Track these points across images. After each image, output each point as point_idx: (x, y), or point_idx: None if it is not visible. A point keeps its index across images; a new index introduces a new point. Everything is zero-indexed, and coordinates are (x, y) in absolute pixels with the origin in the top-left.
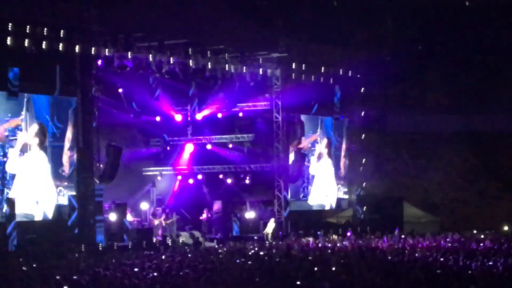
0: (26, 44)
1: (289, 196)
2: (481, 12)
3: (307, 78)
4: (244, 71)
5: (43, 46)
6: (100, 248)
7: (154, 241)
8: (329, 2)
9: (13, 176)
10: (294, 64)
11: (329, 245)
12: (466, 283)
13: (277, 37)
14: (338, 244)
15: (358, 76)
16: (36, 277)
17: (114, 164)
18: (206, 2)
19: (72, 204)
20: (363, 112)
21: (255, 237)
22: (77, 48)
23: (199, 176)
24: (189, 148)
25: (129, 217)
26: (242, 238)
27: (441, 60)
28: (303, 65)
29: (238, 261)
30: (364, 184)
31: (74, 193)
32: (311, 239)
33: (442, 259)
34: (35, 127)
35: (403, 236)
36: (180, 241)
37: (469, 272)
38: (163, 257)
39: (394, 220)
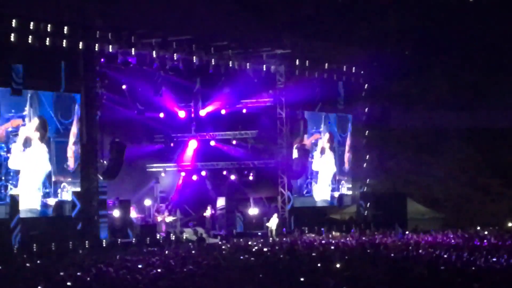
0: (29, 41)
1: (293, 193)
2: (485, 7)
3: (310, 74)
4: (248, 67)
5: (47, 43)
6: (104, 245)
7: (158, 237)
8: None
9: (16, 172)
10: (297, 60)
11: (333, 241)
12: (470, 279)
13: (280, 33)
14: (341, 241)
15: (362, 72)
16: (40, 273)
17: (118, 161)
18: None
19: (75, 201)
20: (366, 108)
21: (259, 234)
22: (80, 45)
23: (203, 173)
24: (192, 144)
25: (133, 214)
26: (246, 234)
27: (445, 56)
28: (307, 61)
29: (241, 257)
30: (367, 180)
31: (78, 189)
32: (314, 235)
33: (445, 255)
34: (35, 121)
35: (407, 232)
36: (184, 237)
37: (473, 268)
38: (167, 253)
39: (398, 216)
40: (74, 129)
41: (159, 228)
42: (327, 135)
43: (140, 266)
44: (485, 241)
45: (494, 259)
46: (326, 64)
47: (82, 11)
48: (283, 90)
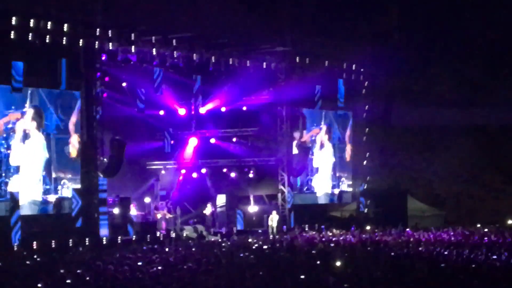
0: (30, 38)
1: (293, 190)
2: (487, 4)
3: (311, 71)
4: (248, 64)
5: (47, 40)
6: (104, 242)
7: (158, 235)
8: None
9: (17, 168)
10: (298, 57)
11: (333, 239)
12: (470, 276)
13: (281, 30)
14: (342, 238)
15: (362, 69)
16: (40, 271)
17: (118, 158)
18: None
19: (75, 198)
20: (367, 106)
21: (259, 231)
22: (81, 42)
23: (203, 170)
24: (193, 142)
25: (133, 211)
26: (246, 232)
27: (446, 53)
28: (307, 58)
29: (242, 255)
30: (368, 177)
31: (78, 185)
32: (315, 233)
33: (446, 252)
34: (30, 111)
35: (407, 229)
36: (184, 235)
37: (473, 266)
38: (167, 250)
39: (398, 213)
40: (73, 119)
41: (159, 225)
42: (324, 128)
43: (140, 263)
44: (485, 238)
45: (495, 256)
46: (327, 62)
47: (82, 8)
48: (284, 87)
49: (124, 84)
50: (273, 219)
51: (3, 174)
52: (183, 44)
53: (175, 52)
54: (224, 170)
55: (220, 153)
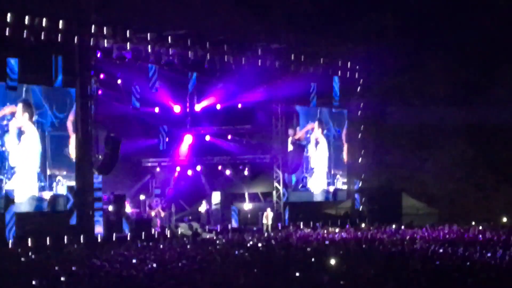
0: (25, 35)
1: (288, 187)
2: (482, 2)
3: (306, 69)
4: (243, 62)
5: (42, 37)
6: (99, 240)
7: (153, 232)
8: None
9: (12, 166)
10: (293, 55)
11: (328, 236)
12: (465, 274)
13: (276, 28)
14: (336, 236)
15: (357, 67)
16: (35, 268)
17: (113, 155)
18: None
19: (70, 195)
20: (362, 104)
21: (254, 229)
22: (76, 39)
23: (198, 168)
24: (188, 139)
25: (128, 208)
26: (241, 229)
27: (441, 51)
28: (302, 56)
29: (236, 252)
30: (363, 175)
31: (73, 183)
32: (309, 230)
33: (440, 250)
34: (20, 106)
35: (402, 227)
36: (179, 232)
37: (468, 263)
38: (162, 248)
39: (393, 211)
40: (71, 118)
41: (154, 223)
42: (317, 123)
43: (135, 261)
44: (480, 236)
45: (489, 254)
46: (322, 59)
47: (78, 5)
48: (279, 84)
49: (119, 82)
50: (268, 217)
51: None
52: (178, 42)
53: (170, 49)
54: (219, 167)
55: (215, 151)
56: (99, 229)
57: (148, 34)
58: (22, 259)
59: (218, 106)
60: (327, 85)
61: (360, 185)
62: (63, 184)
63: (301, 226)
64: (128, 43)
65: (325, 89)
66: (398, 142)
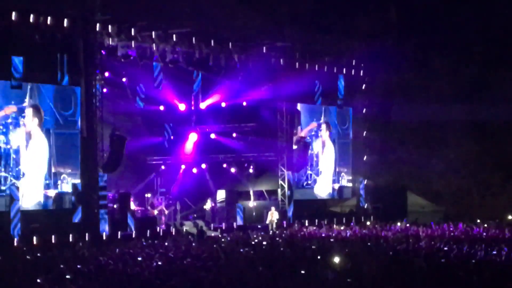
0: (29, 34)
1: (293, 185)
2: (485, 0)
3: (310, 67)
4: (248, 60)
5: (47, 36)
6: (104, 237)
7: (158, 230)
8: None
9: (17, 163)
10: (298, 53)
11: (333, 234)
12: (470, 272)
13: (281, 26)
14: (341, 233)
15: (362, 65)
16: (40, 266)
17: (118, 154)
18: None
19: (75, 193)
20: (367, 101)
21: (259, 226)
22: (81, 38)
23: (203, 165)
24: (193, 137)
25: (133, 206)
26: (246, 227)
27: (446, 49)
28: (307, 54)
29: (241, 250)
30: (368, 173)
31: (78, 180)
32: (314, 228)
33: (445, 248)
34: (29, 110)
35: (407, 225)
36: (184, 230)
37: (473, 261)
38: (167, 246)
39: (398, 209)
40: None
41: (159, 221)
42: (324, 126)
43: (140, 258)
44: (485, 234)
45: (494, 252)
46: (326, 57)
47: (82, 4)
48: (283, 83)
49: (124, 80)
50: (273, 215)
51: (2, 169)
52: (183, 40)
53: (175, 47)
54: (224, 165)
55: (220, 149)
56: (104, 227)
57: (153, 33)
58: (27, 257)
59: (223, 104)
60: (332, 83)
61: (365, 183)
62: (68, 182)
63: (306, 224)
64: (133, 42)
65: (330, 87)
66: (403, 140)
